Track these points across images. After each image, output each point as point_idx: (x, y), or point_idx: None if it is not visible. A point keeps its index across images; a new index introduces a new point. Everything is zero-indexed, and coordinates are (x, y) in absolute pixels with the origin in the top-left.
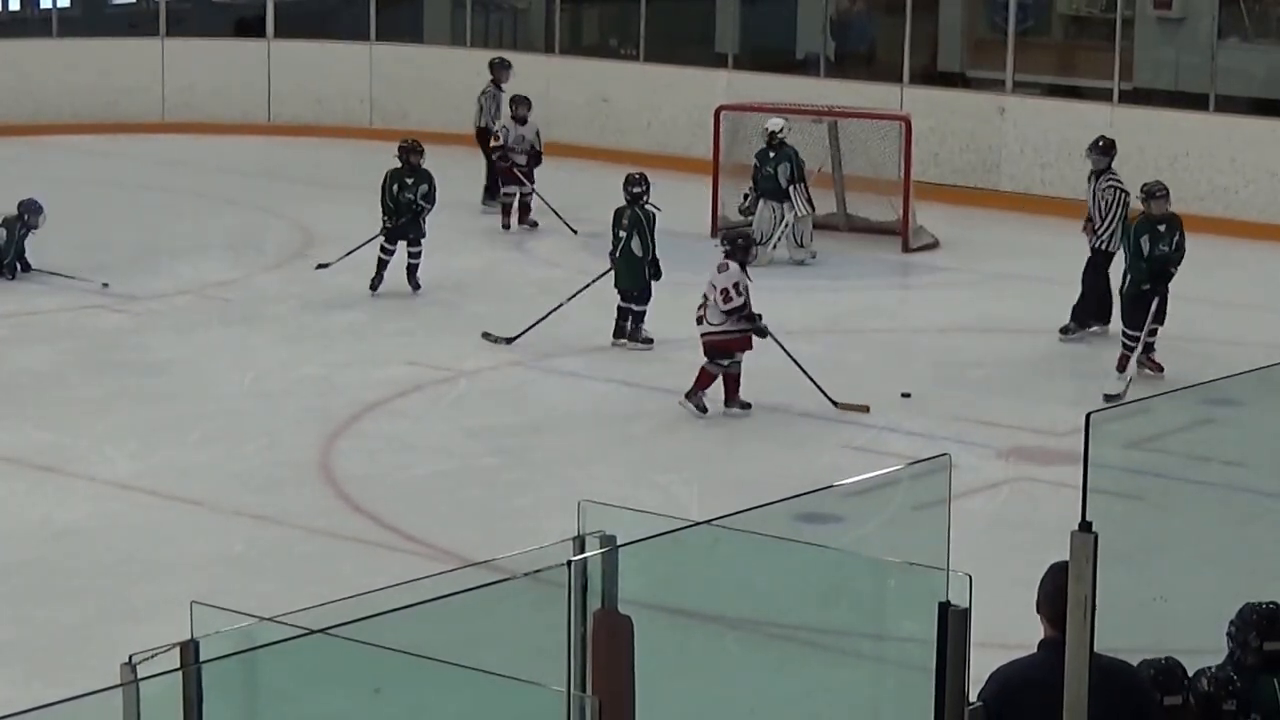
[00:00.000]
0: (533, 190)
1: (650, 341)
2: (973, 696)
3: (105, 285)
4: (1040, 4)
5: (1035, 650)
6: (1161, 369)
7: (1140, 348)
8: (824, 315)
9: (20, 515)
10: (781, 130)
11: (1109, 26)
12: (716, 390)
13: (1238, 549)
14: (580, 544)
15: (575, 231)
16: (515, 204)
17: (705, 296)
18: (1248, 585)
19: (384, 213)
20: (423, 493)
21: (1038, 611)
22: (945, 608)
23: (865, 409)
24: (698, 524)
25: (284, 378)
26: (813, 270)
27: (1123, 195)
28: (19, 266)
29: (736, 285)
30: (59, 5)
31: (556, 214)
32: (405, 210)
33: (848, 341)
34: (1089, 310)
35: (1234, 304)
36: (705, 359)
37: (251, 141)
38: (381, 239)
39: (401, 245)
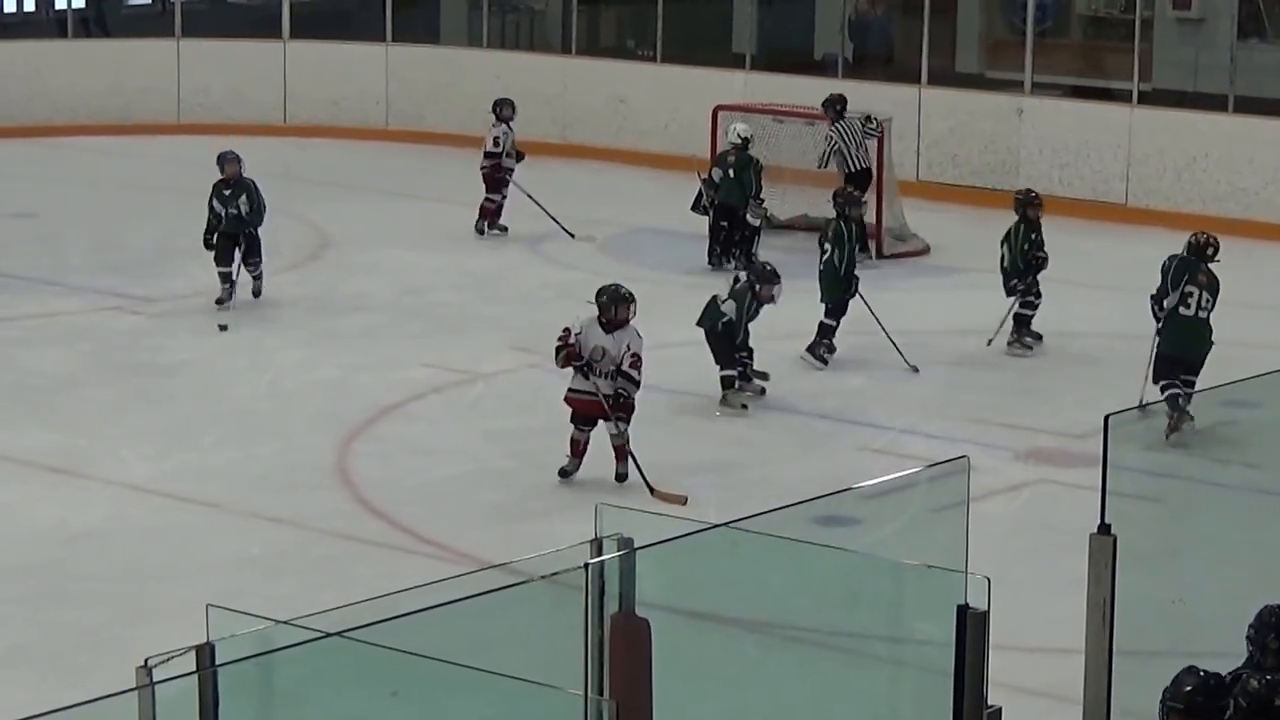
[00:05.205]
0: (527, 194)
1: (824, 360)
2: (991, 699)
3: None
4: (1059, 5)
5: None
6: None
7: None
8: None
9: (36, 518)
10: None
11: (1128, 27)
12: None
13: (1257, 551)
14: (598, 546)
15: (572, 235)
16: (496, 208)
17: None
18: (1267, 587)
19: None
20: (439, 495)
21: None
22: (964, 610)
23: (683, 500)
24: (716, 526)
25: (300, 380)
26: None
27: None
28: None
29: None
30: (73, 6)
31: (552, 218)
32: None
33: (866, 343)
34: None
35: (1253, 305)
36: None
37: (267, 143)
38: None
39: None
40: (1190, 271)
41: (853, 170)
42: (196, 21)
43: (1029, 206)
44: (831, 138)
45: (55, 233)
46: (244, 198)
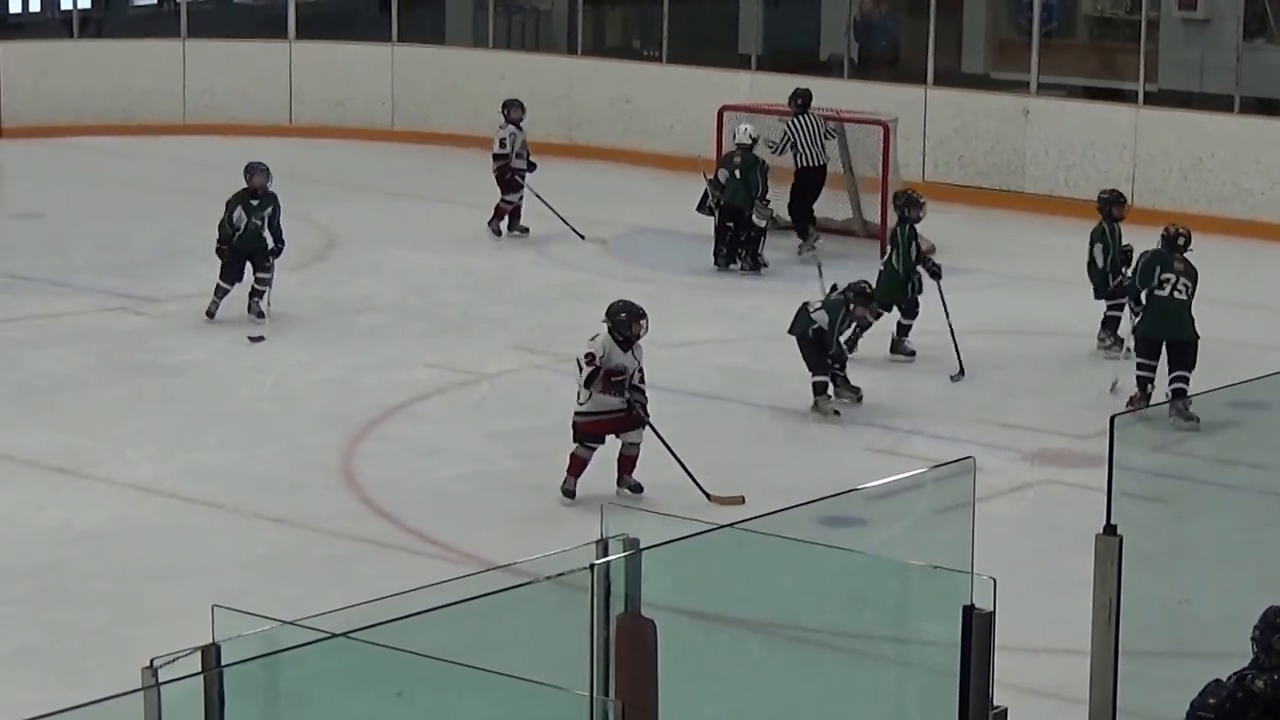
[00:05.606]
0: (536, 195)
1: (912, 354)
2: (997, 700)
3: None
4: (1065, 5)
5: None
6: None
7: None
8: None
9: (40, 518)
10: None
11: (1133, 28)
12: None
13: (1262, 552)
14: (603, 547)
15: (583, 237)
16: (511, 209)
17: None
18: (1272, 588)
19: None
20: (444, 496)
21: None
22: (969, 611)
23: (741, 501)
24: (721, 527)
25: (304, 380)
26: (835, 273)
27: None
28: None
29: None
30: (79, 6)
31: (562, 219)
32: None
33: (871, 343)
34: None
35: (1258, 306)
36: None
37: (273, 143)
38: None
39: None
40: (1164, 262)
41: (803, 166)
42: (202, 22)
43: (1114, 205)
44: (786, 133)
45: (60, 233)
46: (270, 210)
